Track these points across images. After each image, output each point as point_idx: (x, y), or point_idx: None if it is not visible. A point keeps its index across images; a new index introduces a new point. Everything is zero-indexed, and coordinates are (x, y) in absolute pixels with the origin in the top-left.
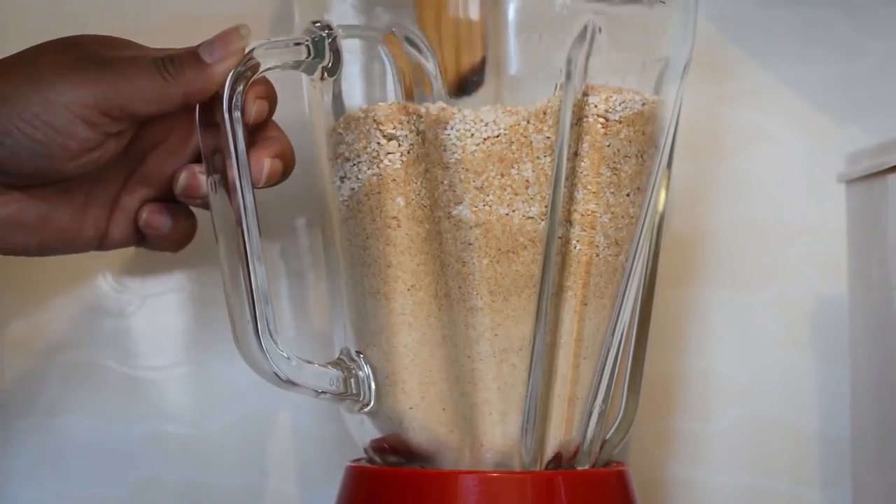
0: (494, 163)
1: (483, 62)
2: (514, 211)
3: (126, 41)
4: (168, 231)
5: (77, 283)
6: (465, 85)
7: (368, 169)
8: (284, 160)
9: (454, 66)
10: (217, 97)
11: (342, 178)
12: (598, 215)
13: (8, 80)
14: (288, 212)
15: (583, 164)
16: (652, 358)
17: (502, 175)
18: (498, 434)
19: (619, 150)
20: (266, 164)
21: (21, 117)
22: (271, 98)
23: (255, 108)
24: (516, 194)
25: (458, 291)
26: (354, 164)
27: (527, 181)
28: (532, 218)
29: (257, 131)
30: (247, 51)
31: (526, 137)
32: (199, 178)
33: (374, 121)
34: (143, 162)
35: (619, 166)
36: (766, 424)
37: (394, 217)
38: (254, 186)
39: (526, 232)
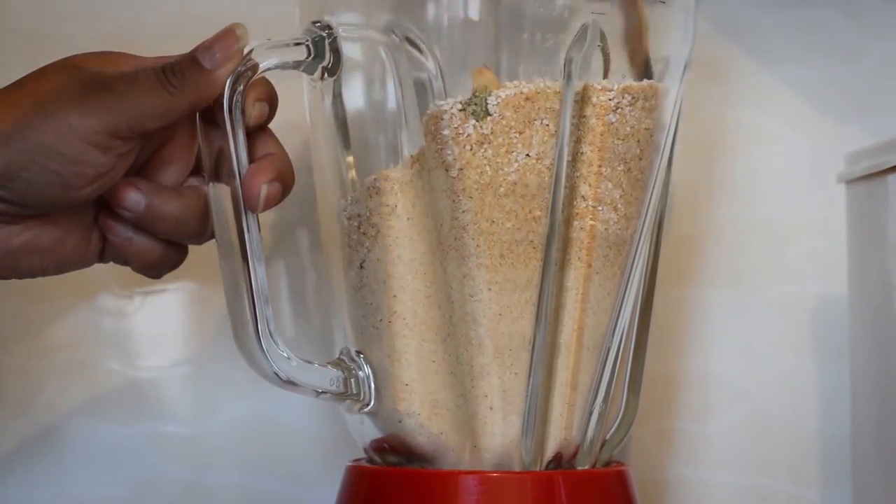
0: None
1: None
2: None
3: (122, 54)
4: (123, 241)
5: (77, 283)
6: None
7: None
8: (283, 181)
9: None
10: (217, 99)
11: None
12: (603, 194)
13: (17, 113)
14: (288, 212)
15: (584, 154)
16: (652, 358)
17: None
18: (498, 434)
19: (621, 131)
20: (263, 190)
21: (35, 150)
22: (272, 99)
23: (256, 111)
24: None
25: (457, 252)
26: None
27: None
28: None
29: (256, 142)
30: (246, 51)
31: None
32: (124, 188)
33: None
34: (140, 172)
35: (622, 149)
36: (766, 424)
37: (388, 206)
38: (252, 212)
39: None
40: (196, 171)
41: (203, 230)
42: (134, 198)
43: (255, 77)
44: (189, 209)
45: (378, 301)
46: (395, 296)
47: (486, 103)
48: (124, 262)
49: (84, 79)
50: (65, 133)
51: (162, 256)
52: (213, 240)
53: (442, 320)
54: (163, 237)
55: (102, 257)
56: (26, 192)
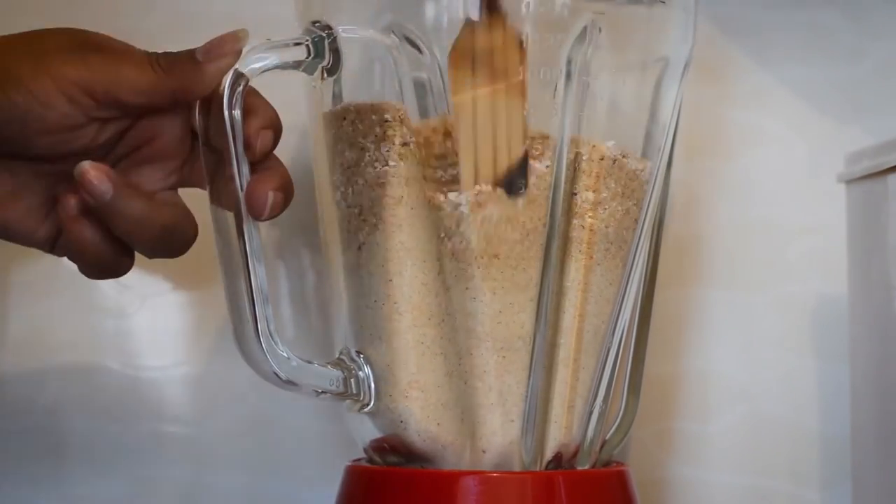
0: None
1: (524, 159)
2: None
3: (129, 45)
4: (70, 219)
5: (77, 283)
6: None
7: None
8: (285, 192)
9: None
10: (216, 98)
11: (344, 170)
12: (602, 201)
13: (7, 46)
14: (288, 211)
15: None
16: (652, 358)
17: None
18: (498, 434)
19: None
20: (269, 196)
21: (6, 78)
22: (276, 128)
23: (261, 141)
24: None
25: (456, 263)
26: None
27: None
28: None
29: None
30: (246, 50)
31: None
32: (96, 172)
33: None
34: (119, 164)
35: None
36: (766, 424)
37: (393, 198)
38: (256, 219)
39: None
40: (178, 184)
41: (160, 242)
42: (101, 186)
43: (255, 76)
44: (154, 214)
45: (374, 284)
46: (390, 280)
47: None
48: (74, 257)
49: (80, 37)
50: (39, 70)
51: (107, 255)
52: (211, 242)
53: (438, 309)
54: (119, 234)
55: (55, 247)
56: None
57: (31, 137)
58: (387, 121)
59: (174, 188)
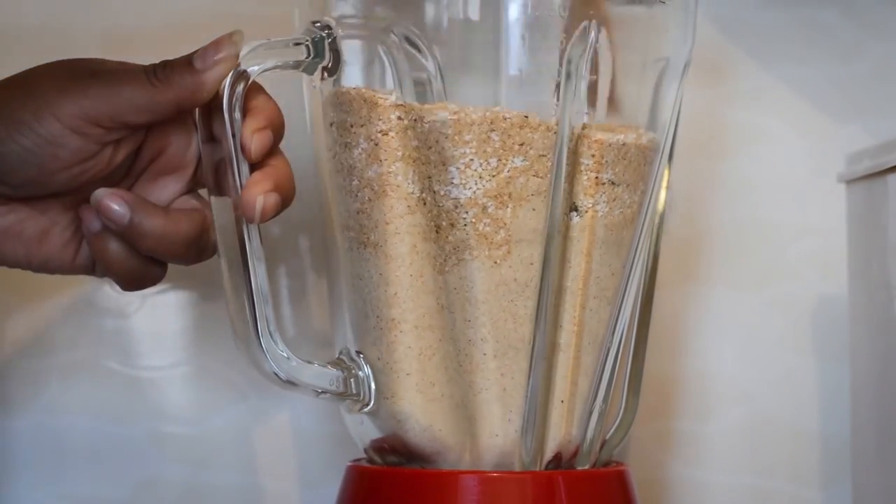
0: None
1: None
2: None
3: (121, 62)
4: (93, 236)
5: (77, 283)
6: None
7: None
8: (282, 192)
9: None
10: (216, 100)
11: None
12: (602, 192)
13: (4, 91)
14: (288, 211)
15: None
16: (652, 358)
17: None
18: (498, 434)
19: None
20: (259, 201)
21: (14, 125)
22: (275, 126)
23: (255, 142)
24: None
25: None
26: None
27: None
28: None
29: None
30: (245, 51)
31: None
32: (109, 198)
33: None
34: (137, 182)
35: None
36: (766, 424)
37: (393, 192)
38: (250, 223)
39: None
40: (195, 188)
41: (187, 252)
42: (118, 210)
43: (255, 76)
44: (173, 228)
45: (374, 283)
46: (391, 280)
47: None
48: (109, 275)
49: (74, 66)
50: (41, 110)
51: (136, 266)
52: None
53: (438, 309)
54: (145, 253)
55: (95, 270)
56: (1, 168)
57: (50, 176)
58: (382, 131)
59: (192, 192)
